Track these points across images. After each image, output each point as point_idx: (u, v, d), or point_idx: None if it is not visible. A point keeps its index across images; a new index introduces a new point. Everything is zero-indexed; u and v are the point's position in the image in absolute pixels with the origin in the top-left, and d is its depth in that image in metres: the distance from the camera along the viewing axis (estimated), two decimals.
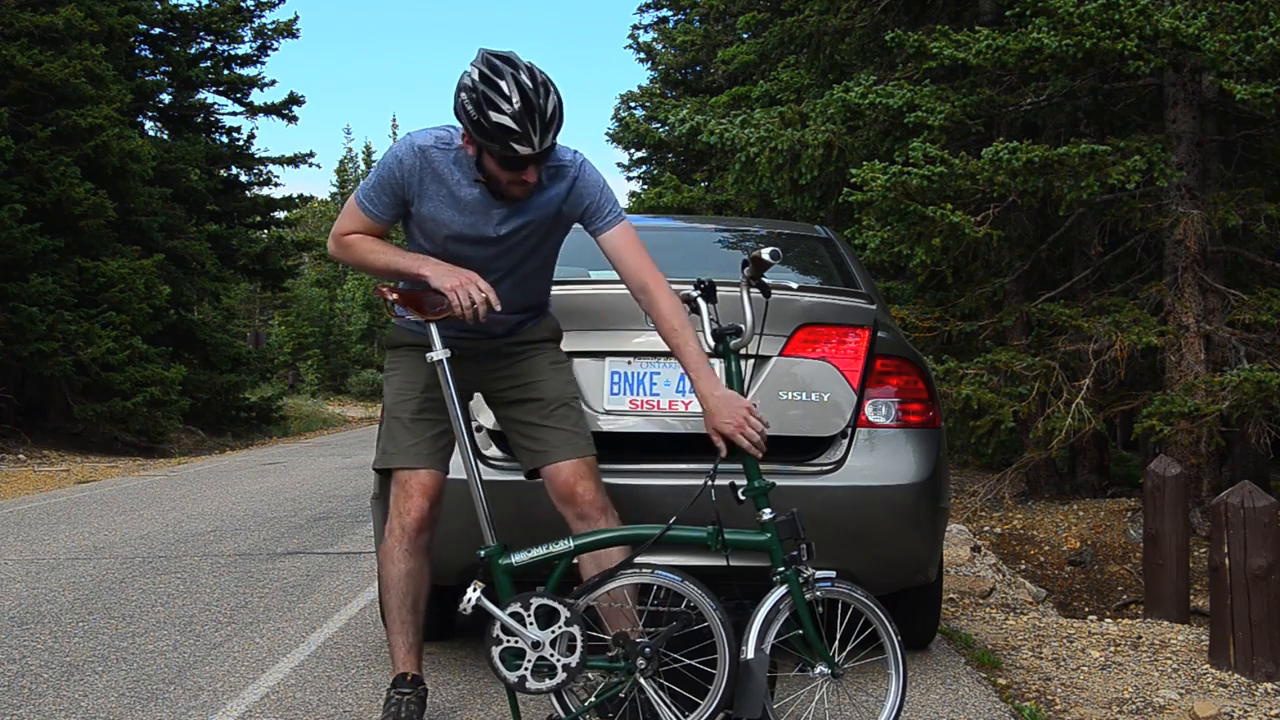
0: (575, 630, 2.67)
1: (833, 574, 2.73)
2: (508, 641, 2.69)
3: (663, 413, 3.39)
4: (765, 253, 2.91)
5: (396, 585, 2.95)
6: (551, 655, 2.67)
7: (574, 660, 2.67)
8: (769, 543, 2.74)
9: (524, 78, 2.59)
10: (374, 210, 2.87)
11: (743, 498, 2.75)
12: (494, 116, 2.57)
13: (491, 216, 2.84)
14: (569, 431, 2.97)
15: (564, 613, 2.68)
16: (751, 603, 3.25)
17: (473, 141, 2.68)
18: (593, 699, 2.72)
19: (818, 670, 2.70)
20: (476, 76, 2.60)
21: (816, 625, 2.70)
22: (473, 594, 2.72)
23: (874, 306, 3.68)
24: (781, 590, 2.70)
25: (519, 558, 2.80)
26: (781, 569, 2.71)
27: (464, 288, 2.75)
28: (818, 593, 2.70)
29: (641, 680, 2.68)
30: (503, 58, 2.64)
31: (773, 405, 3.36)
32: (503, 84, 2.58)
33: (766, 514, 2.75)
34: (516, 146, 2.59)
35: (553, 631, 2.68)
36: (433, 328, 2.83)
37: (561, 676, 2.67)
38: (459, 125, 2.73)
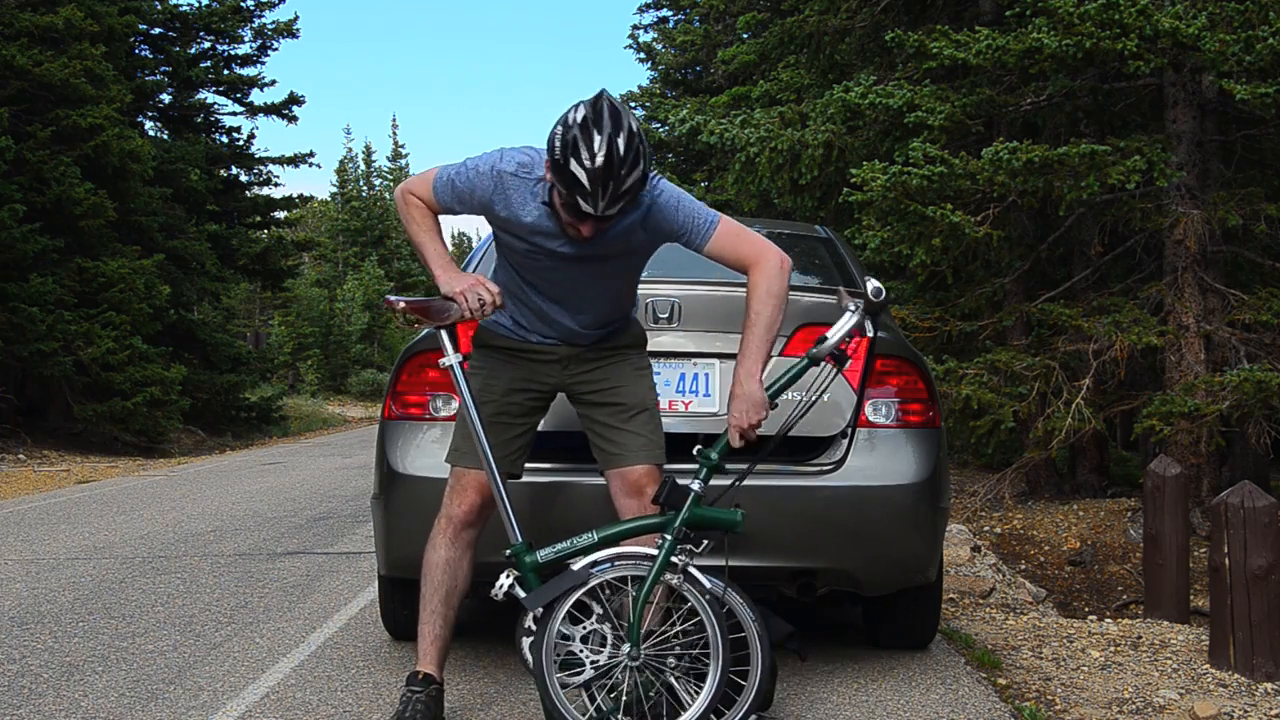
0: (606, 629, 2.69)
1: (721, 586, 2.75)
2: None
3: (663, 412, 3.39)
4: (870, 289, 2.89)
5: (433, 572, 3.01)
6: (581, 650, 2.68)
7: (602, 657, 2.69)
8: (683, 513, 2.75)
9: (619, 142, 2.56)
10: (440, 194, 2.93)
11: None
12: (573, 166, 2.56)
13: (557, 239, 2.85)
14: (646, 438, 3.02)
15: (596, 609, 2.71)
16: (754, 603, 3.26)
17: (550, 172, 2.69)
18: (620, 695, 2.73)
19: (624, 649, 2.71)
20: (579, 118, 2.59)
21: (645, 603, 2.70)
22: (505, 581, 2.75)
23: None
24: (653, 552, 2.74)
25: (545, 554, 2.82)
26: (669, 536, 2.72)
27: (472, 290, 2.81)
28: (674, 578, 2.71)
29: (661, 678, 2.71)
30: (613, 113, 2.61)
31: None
32: (595, 139, 2.55)
33: (696, 485, 2.77)
34: (580, 201, 2.60)
35: (584, 628, 2.70)
36: (444, 334, 2.88)
37: (589, 673, 2.68)
38: (529, 161, 2.83)
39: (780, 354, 3.39)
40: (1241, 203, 8.62)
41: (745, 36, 18.10)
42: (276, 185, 47.00)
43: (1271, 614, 4.20)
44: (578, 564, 2.76)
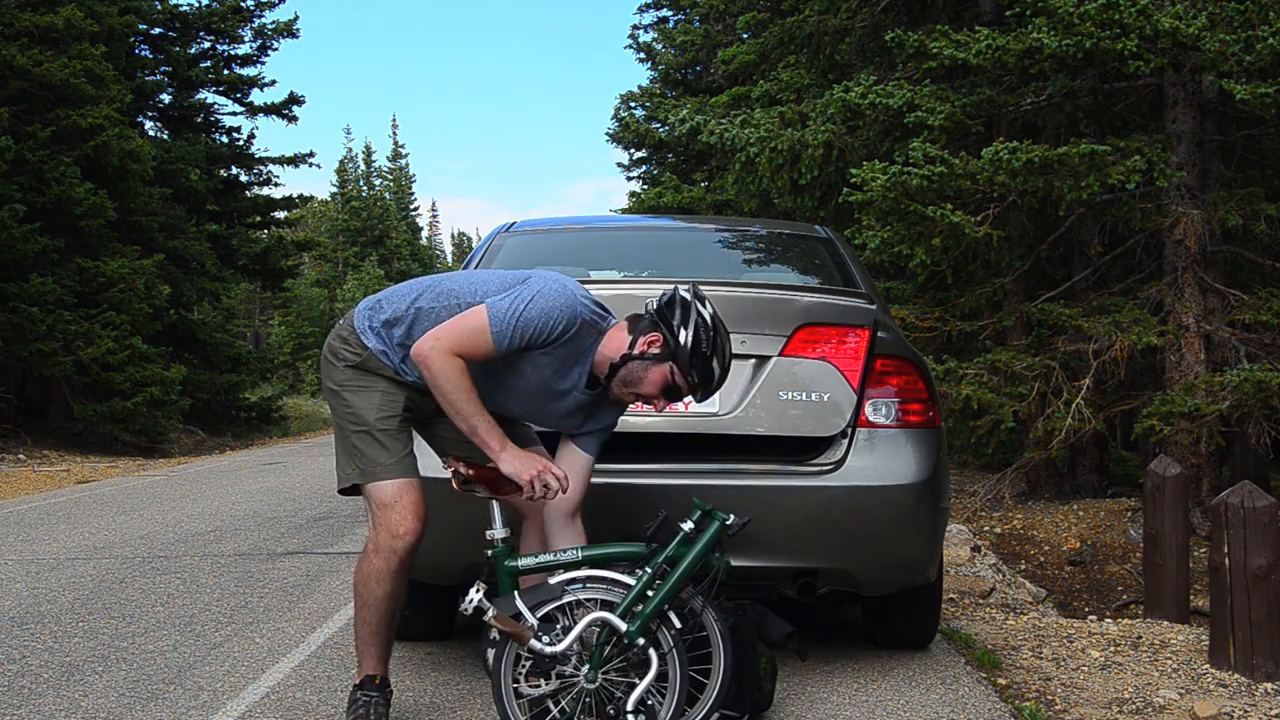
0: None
1: (701, 601, 2.80)
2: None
3: (662, 413, 3.39)
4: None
5: (379, 605, 2.97)
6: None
7: (568, 669, 2.71)
8: (668, 550, 2.79)
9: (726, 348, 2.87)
10: (505, 344, 2.77)
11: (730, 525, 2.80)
12: (714, 363, 2.80)
13: (569, 380, 2.88)
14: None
15: (561, 625, 2.74)
16: (753, 603, 3.26)
17: (662, 353, 2.79)
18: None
19: (584, 670, 2.73)
20: (713, 322, 2.81)
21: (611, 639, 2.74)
22: (475, 595, 2.74)
23: (874, 306, 3.69)
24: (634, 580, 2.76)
25: (525, 562, 2.83)
26: (649, 569, 2.76)
27: (540, 478, 2.78)
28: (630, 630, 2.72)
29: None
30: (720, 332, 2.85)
31: (773, 405, 3.36)
32: (726, 350, 2.85)
33: (687, 525, 2.79)
34: (692, 389, 2.82)
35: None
36: (495, 505, 2.85)
37: (554, 684, 2.71)
38: (604, 309, 2.86)
39: (780, 354, 3.39)
40: (1241, 203, 8.62)
41: (745, 36, 18.09)
42: (276, 185, 46.93)
43: (1271, 614, 4.20)
44: (555, 578, 2.78)
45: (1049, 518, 9.64)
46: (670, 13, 25.64)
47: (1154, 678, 4.13)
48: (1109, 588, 8.17)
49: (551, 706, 2.75)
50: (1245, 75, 7.86)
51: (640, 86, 25.85)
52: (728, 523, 2.79)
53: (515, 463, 2.78)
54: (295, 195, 25.14)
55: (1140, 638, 4.80)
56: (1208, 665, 4.30)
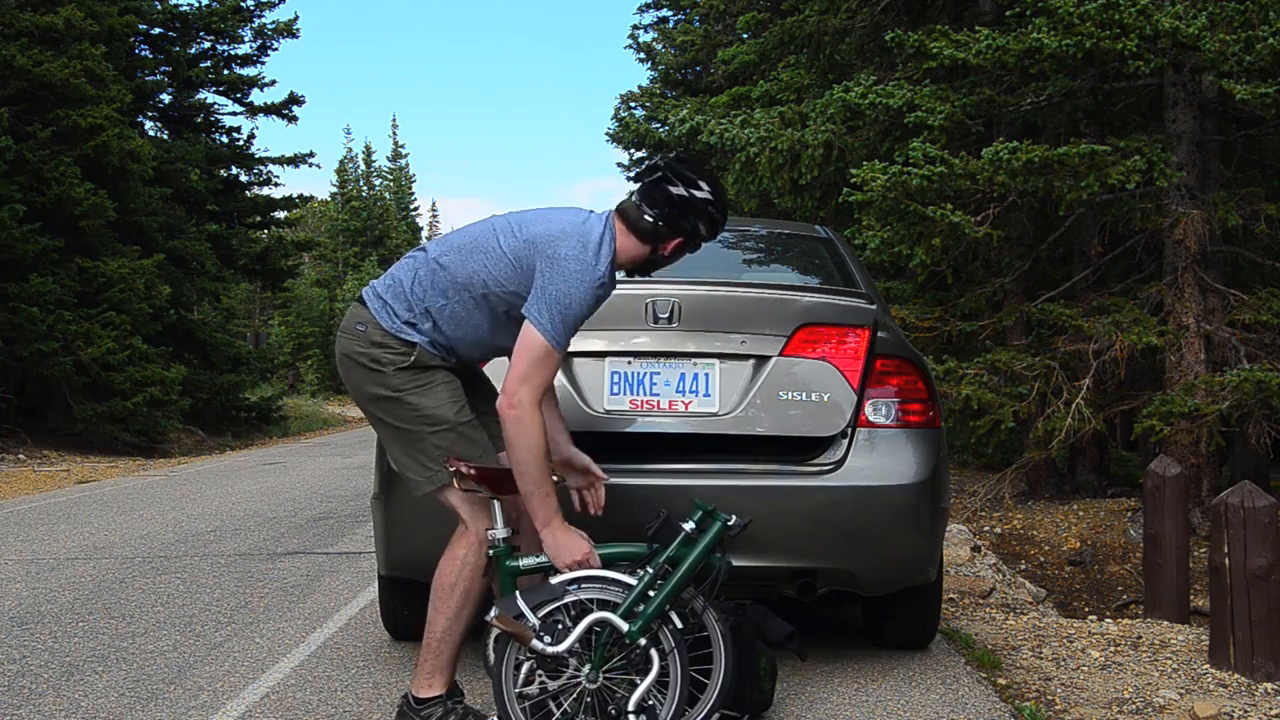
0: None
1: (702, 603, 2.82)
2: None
3: (662, 412, 3.39)
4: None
5: (476, 596, 2.93)
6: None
7: (563, 676, 2.73)
8: (669, 550, 2.81)
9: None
10: (563, 347, 2.82)
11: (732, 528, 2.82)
12: (723, 213, 2.97)
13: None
14: None
15: (564, 625, 2.74)
16: (752, 603, 3.26)
17: (679, 242, 2.93)
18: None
19: (584, 670, 2.73)
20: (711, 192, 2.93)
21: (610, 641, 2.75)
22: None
23: (874, 306, 3.69)
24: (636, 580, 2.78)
25: (526, 562, 2.83)
26: (650, 569, 2.77)
27: (578, 566, 2.80)
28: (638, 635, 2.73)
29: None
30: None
31: (773, 405, 3.36)
32: (721, 194, 2.96)
33: (688, 525, 2.81)
34: (707, 228, 2.96)
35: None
36: (496, 504, 2.86)
37: (556, 685, 2.72)
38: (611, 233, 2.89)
39: (780, 354, 3.39)
40: (1241, 203, 8.62)
41: (745, 36, 18.10)
42: (276, 185, 47.00)
43: (1271, 614, 4.20)
44: (556, 578, 2.78)
45: (1049, 518, 9.63)
46: (670, 13, 25.65)
47: (1154, 678, 4.13)
48: (1109, 588, 8.17)
49: (554, 708, 2.75)
50: (1245, 75, 7.86)
51: (640, 86, 25.86)
52: (729, 523, 2.79)
53: (559, 544, 2.79)
54: (295, 195, 25.13)
55: (1140, 638, 4.80)
56: (1208, 665, 4.30)
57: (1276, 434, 8.49)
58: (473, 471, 2.79)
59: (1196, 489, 8.44)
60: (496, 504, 2.86)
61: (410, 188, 54.08)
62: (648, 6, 25.90)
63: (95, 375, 15.14)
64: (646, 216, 2.88)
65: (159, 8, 21.08)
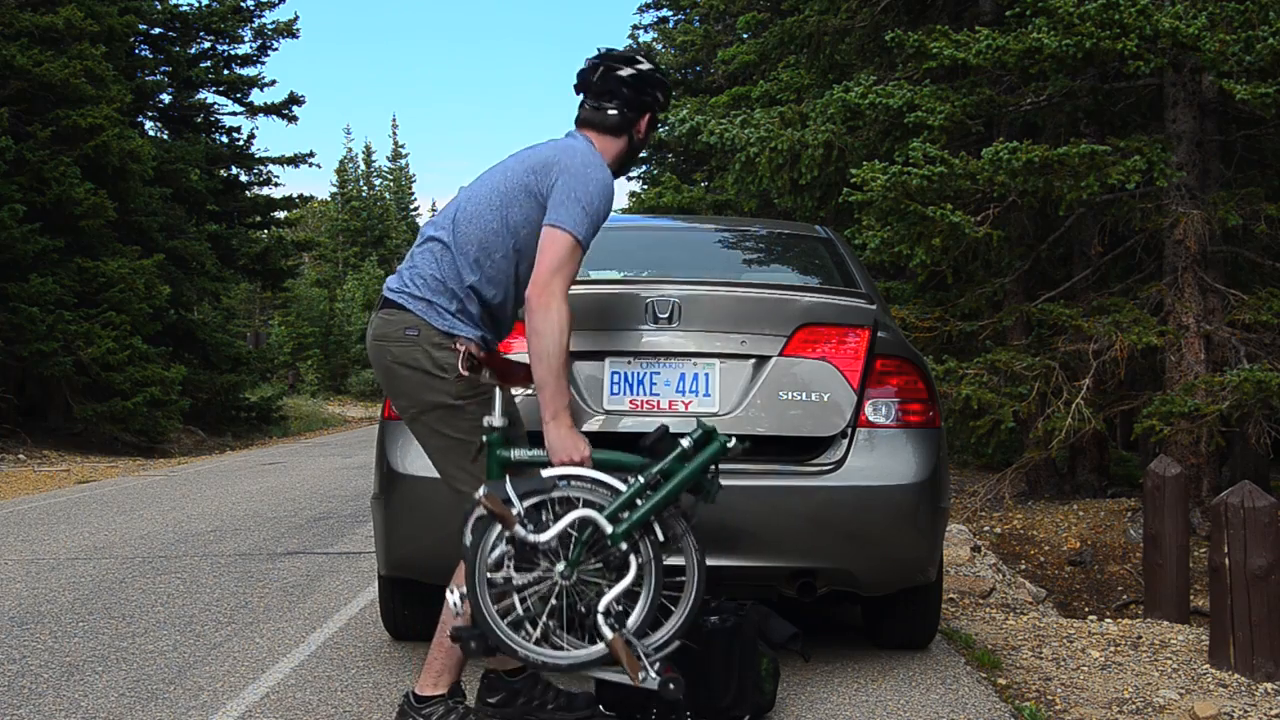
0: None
1: (683, 528, 2.78)
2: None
3: (662, 412, 3.39)
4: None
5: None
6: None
7: (537, 570, 2.70)
8: (663, 463, 2.78)
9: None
10: (588, 245, 2.88)
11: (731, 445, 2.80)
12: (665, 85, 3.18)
13: None
14: None
15: (547, 519, 2.73)
16: (754, 604, 3.26)
17: (648, 119, 3.11)
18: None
19: (558, 567, 2.70)
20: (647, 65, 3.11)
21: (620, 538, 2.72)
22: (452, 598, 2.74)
23: (874, 306, 3.69)
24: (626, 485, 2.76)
25: (518, 454, 2.81)
26: (641, 478, 2.74)
27: (571, 464, 2.78)
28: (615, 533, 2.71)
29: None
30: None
31: (773, 405, 3.36)
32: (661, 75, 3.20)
33: (686, 441, 2.78)
34: (669, 100, 3.23)
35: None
36: (497, 392, 2.84)
37: (527, 576, 2.70)
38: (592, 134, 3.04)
39: (780, 354, 3.39)
40: (1241, 203, 8.62)
41: (745, 36, 18.10)
42: (276, 185, 47.08)
43: (1271, 614, 4.20)
44: (548, 472, 2.77)
45: (1049, 518, 9.63)
46: (670, 13, 25.65)
47: (1154, 678, 4.13)
48: (1109, 588, 8.17)
49: (516, 602, 2.70)
50: (1245, 75, 7.86)
51: None
52: (728, 444, 2.77)
53: (561, 439, 2.78)
54: (295, 195, 25.14)
55: (1140, 638, 4.80)
56: (1208, 665, 4.30)
57: (1276, 434, 8.49)
58: (482, 354, 2.80)
59: (1196, 489, 8.44)
60: (497, 393, 2.84)
61: (410, 188, 54.08)
62: (648, 6, 25.90)
63: (95, 375, 15.14)
64: (610, 111, 3.03)
65: (159, 8, 21.07)
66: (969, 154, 8.51)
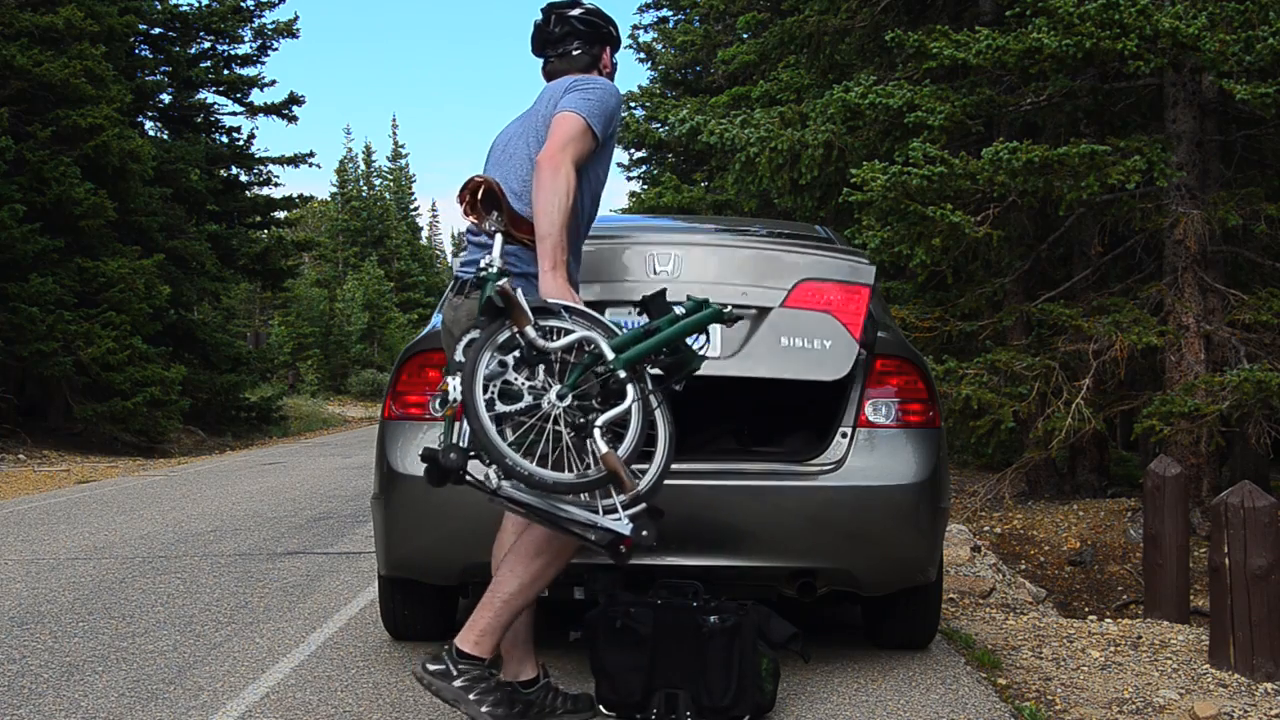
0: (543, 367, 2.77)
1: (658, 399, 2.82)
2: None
3: None
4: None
5: (550, 579, 2.96)
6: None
7: (531, 393, 2.71)
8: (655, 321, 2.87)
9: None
10: (603, 135, 3.00)
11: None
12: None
13: None
14: None
15: (544, 344, 2.77)
16: (755, 604, 3.26)
17: (608, 52, 3.26)
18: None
19: (553, 391, 2.69)
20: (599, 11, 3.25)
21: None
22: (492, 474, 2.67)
23: (874, 267, 3.68)
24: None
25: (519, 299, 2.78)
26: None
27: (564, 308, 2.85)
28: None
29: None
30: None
31: (775, 350, 3.36)
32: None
33: (679, 309, 2.87)
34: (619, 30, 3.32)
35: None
36: (499, 239, 2.91)
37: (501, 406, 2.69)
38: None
39: (781, 305, 3.38)
40: (1241, 203, 8.62)
41: (745, 36, 18.09)
42: (276, 185, 46.98)
43: (1271, 614, 4.20)
44: (551, 299, 2.82)
45: (1049, 518, 9.63)
46: (670, 13, 25.62)
47: (1154, 678, 4.13)
48: (1109, 588, 8.17)
49: (509, 429, 2.66)
50: (1245, 75, 7.86)
51: (640, 86, 25.80)
52: (724, 311, 2.87)
53: (558, 287, 2.84)
54: (295, 195, 25.11)
55: (1140, 638, 4.80)
56: (1208, 665, 4.30)
57: (1276, 434, 8.49)
58: (495, 187, 2.87)
59: (1196, 489, 8.44)
60: (499, 239, 2.89)
61: (410, 188, 54.00)
62: (648, 6, 25.87)
63: (95, 375, 15.13)
64: (575, 51, 3.18)
65: (159, 8, 21.06)
66: (969, 154, 8.52)
